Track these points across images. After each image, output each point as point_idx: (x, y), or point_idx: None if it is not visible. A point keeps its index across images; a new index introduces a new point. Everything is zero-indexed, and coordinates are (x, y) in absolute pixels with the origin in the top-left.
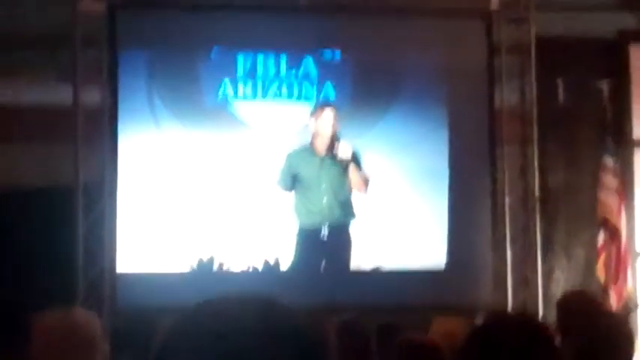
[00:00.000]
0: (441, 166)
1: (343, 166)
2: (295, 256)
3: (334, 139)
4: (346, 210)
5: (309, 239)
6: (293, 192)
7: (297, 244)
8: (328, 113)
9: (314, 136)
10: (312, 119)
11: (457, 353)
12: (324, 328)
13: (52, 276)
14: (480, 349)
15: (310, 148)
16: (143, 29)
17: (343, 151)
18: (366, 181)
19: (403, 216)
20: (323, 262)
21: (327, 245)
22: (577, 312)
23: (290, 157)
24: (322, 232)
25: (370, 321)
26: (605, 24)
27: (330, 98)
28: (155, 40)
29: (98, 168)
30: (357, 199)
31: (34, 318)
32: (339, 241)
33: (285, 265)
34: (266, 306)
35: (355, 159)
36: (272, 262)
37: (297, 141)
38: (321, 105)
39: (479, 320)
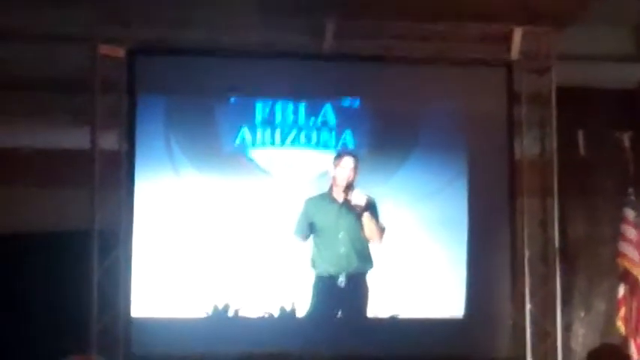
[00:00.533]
0: (460, 217)
1: (357, 215)
2: (312, 303)
3: (349, 188)
4: (364, 259)
5: (326, 287)
6: (310, 241)
7: (314, 291)
8: (348, 161)
9: (332, 184)
10: (332, 166)
11: None
12: None
13: (66, 320)
14: None
15: (328, 196)
16: (162, 74)
17: (357, 200)
18: (380, 232)
19: (422, 265)
20: (340, 310)
21: (344, 293)
22: None
23: (308, 203)
24: (339, 280)
25: None
26: (626, 74)
27: (349, 146)
28: (173, 86)
29: (114, 212)
30: (375, 247)
31: None
32: (356, 289)
33: (301, 312)
34: None
35: (371, 208)
36: (288, 309)
37: (314, 188)
38: (341, 153)
39: None
